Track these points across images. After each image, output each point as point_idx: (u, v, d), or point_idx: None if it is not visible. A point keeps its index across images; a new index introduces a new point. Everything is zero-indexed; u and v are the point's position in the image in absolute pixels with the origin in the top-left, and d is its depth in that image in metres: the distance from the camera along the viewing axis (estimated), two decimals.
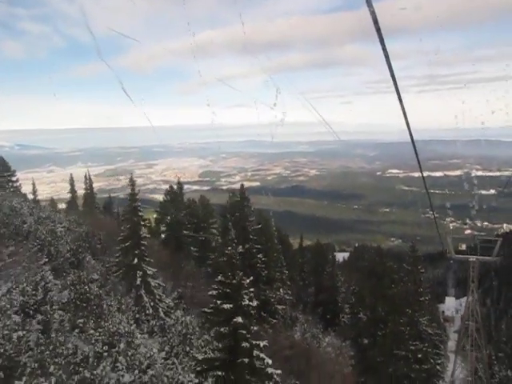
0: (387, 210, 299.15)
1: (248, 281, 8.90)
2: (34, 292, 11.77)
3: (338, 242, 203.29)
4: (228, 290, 8.23)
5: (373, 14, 2.75)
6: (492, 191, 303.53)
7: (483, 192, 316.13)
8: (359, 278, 28.87)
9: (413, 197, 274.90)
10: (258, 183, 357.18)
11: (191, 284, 22.71)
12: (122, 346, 11.74)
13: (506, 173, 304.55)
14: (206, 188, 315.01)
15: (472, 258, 16.43)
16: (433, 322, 31.63)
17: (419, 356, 20.08)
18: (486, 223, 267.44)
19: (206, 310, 8.99)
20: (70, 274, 15.37)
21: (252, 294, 8.81)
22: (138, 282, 15.62)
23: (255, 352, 8.11)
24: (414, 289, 24.18)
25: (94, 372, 9.67)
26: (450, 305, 60.34)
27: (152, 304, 16.01)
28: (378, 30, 2.93)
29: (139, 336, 13.23)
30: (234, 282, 8.28)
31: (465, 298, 26.03)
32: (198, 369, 8.72)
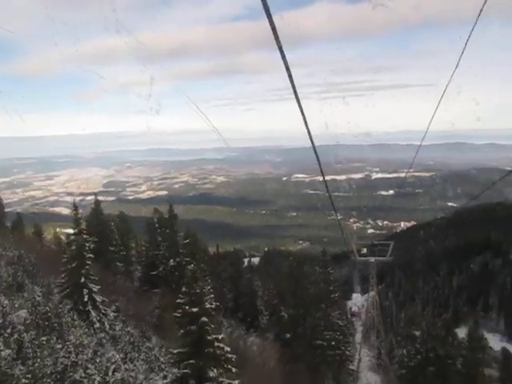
0: (294, 214, 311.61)
1: (208, 288, 11.53)
2: None
3: (247, 247, 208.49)
4: (193, 298, 10.71)
5: (271, 23, 3.09)
6: (391, 192, 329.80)
7: (383, 193, 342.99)
8: (278, 281, 32.21)
9: (318, 200, 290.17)
10: (164, 192, 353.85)
11: (124, 298, 24.44)
12: (89, 355, 13.78)
13: (402, 174, 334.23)
14: (111, 199, 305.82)
15: (372, 259, 20.28)
16: (342, 316, 36.38)
17: (333, 344, 24.05)
18: (386, 222, 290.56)
19: (176, 314, 11.30)
20: (15, 297, 16.78)
21: (211, 299, 11.44)
22: (86, 299, 17.31)
23: (216, 343, 10.70)
24: (326, 288, 28.36)
25: (77, 378, 11.77)
26: (357, 301, 66.84)
27: (98, 318, 17.78)
28: (277, 38, 3.22)
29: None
30: (198, 290, 10.79)
31: (368, 294, 30.46)
32: (172, 360, 11.07)
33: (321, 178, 6.74)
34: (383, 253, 20.17)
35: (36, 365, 11.38)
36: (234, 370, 11.08)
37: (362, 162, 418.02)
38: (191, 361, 10.36)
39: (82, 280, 17.57)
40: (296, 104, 4.24)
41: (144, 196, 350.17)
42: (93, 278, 18.23)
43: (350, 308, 72.64)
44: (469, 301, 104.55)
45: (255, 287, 38.35)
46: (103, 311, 18.33)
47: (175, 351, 10.76)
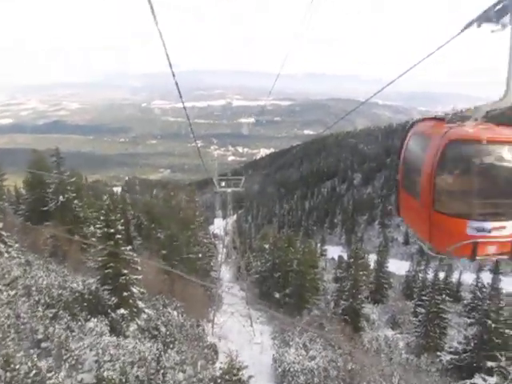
0: (154, 141, 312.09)
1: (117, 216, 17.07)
2: None
3: (107, 177, 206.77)
4: (109, 223, 15.98)
5: None
6: (251, 119, 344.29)
7: (243, 120, 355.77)
8: (149, 208, 37.39)
9: (179, 127, 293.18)
10: (10, 120, 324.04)
11: (15, 232, 28.00)
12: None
13: (262, 102, 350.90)
14: None
15: (228, 190, 26.47)
16: (207, 236, 44.02)
17: (200, 256, 31.27)
18: (246, 149, 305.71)
19: (84, 239, 16.53)
20: None
21: (119, 225, 17.00)
22: None
23: (126, 252, 16.41)
24: (193, 213, 34.98)
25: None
26: (219, 225, 74.99)
27: (6, 250, 21.93)
28: None
29: None
30: (113, 218, 16.15)
31: (230, 218, 37.16)
32: (97, 266, 16.43)
33: (181, 105, 6.68)
34: (238, 184, 26.48)
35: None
36: (139, 268, 16.95)
37: (223, 89, 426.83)
38: (111, 264, 15.86)
39: None
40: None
41: None
42: None
43: (213, 232, 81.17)
44: (318, 220, 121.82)
45: (129, 216, 43.02)
46: (8, 243, 22.42)
47: (100, 258, 16.09)
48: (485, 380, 17.44)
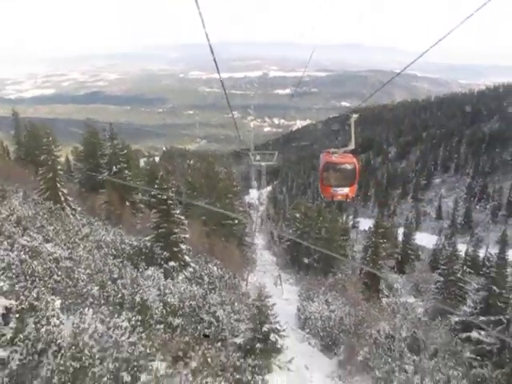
0: (191, 112, 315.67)
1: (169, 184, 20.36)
2: None
3: (145, 147, 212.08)
4: (163, 189, 19.39)
5: None
6: (287, 91, 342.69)
7: (280, 92, 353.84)
8: (192, 178, 40.74)
9: (216, 98, 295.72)
10: (52, 90, 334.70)
11: (73, 198, 31.98)
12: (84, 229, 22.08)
13: (299, 73, 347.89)
14: None
15: (263, 163, 29.30)
16: (242, 205, 47.54)
17: (236, 222, 34.68)
18: (282, 120, 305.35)
19: (140, 199, 19.88)
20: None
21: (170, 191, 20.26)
22: (62, 199, 25.09)
23: (176, 215, 19.68)
24: (230, 183, 38.34)
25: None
26: (254, 195, 77.84)
27: (72, 213, 25.72)
28: None
29: None
30: (165, 186, 19.41)
31: (264, 189, 40.17)
32: (152, 226, 19.85)
33: (218, 76, 6.98)
34: (272, 158, 29.28)
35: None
36: (186, 228, 20.31)
37: (260, 60, 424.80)
38: (165, 224, 19.23)
39: (58, 186, 25.20)
40: None
41: (28, 95, 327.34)
42: (63, 183, 25.93)
43: (248, 202, 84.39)
44: None
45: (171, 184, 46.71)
46: (73, 207, 26.28)
47: (154, 219, 19.50)
48: (480, 334, 20.10)
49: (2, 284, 9.39)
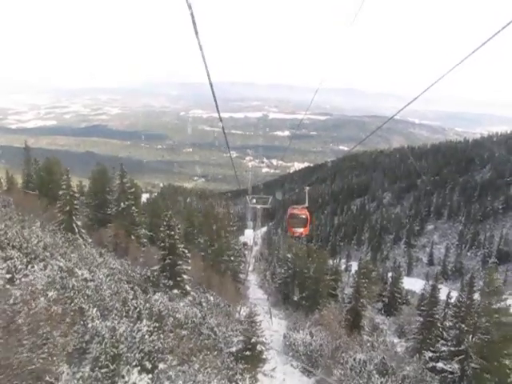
0: (190, 149, 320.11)
1: (174, 223, 23.69)
2: None
3: (142, 183, 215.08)
4: (170, 226, 22.60)
5: None
6: (287, 133, 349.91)
7: (279, 133, 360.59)
8: (188, 216, 44.04)
9: (215, 137, 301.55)
10: (53, 122, 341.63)
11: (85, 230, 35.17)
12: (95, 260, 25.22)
13: (299, 116, 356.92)
14: None
15: (258, 207, 32.60)
16: (238, 244, 50.68)
17: (232, 258, 37.84)
18: (280, 162, 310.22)
19: (148, 234, 23.09)
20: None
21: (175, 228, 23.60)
22: (77, 230, 28.32)
23: (181, 248, 22.81)
24: (228, 223, 41.78)
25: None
26: (249, 236, 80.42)
27: (84, 243, 28.94)
28: None
29: None
30: (172, 224, 22.60)
31: (259, 230, 43.14)
32: (159, 258, 22.92)
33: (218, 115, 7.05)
34: (267, 201, 32.58)
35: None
36: (189, 261, 23.48)
37: (261, 101, 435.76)
38: (170, 256, 22.43)
39: (74, 218, 28.54)
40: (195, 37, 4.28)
41: (29, 125, 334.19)
42: (78, 216, 29.26)
43: (243, 243, 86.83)
44: (346, 236, 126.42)
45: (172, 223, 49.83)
46: (85, 238, 29.50)
47: (161, 252, 22.67)
48: (444, 364, 23.03)
49: (52, 293, 12.61)
